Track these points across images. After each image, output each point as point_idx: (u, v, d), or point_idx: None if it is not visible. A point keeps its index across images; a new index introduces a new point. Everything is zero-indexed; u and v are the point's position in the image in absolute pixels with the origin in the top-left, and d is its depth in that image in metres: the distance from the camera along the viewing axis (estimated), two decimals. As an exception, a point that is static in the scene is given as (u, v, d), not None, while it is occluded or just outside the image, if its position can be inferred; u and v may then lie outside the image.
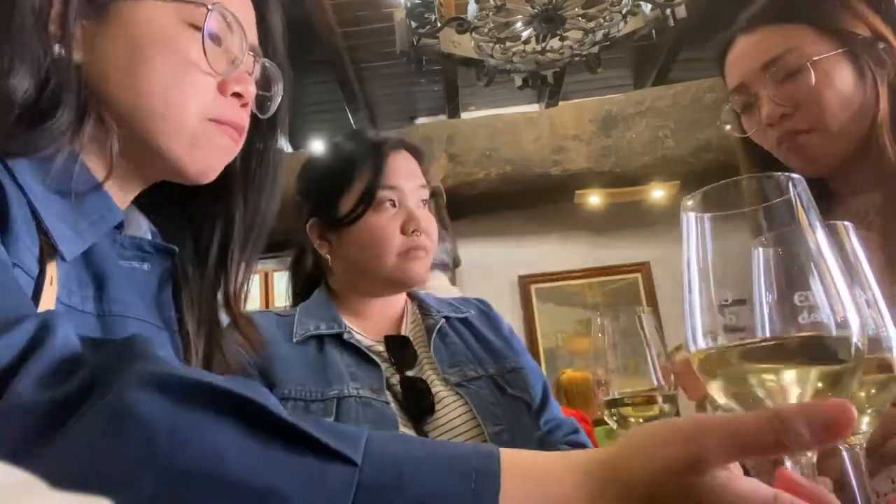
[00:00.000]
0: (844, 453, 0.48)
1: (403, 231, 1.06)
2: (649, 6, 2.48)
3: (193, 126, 0.62)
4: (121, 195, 0.64)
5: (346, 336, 1.04)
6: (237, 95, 0.65)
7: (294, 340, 1.02)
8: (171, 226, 0.73)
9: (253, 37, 0.70)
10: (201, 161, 0.64)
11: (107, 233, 0.60)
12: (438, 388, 1.03)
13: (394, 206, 1.07)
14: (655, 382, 0.77)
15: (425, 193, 1.12)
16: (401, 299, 1.16)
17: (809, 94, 0.88)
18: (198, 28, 0.61)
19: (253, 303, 4.37)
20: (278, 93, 0.74)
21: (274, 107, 0.74)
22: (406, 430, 0.97)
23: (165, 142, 0.61)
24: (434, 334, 1.10)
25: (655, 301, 4.48)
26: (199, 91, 0.62)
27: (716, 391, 0.40)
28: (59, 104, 0.54)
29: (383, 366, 1.04)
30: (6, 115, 0.52)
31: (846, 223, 0.51)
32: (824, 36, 0.90)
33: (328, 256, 1.12)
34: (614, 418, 0.78)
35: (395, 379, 1.02)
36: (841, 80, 0.88)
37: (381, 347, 1.07)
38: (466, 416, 1.00)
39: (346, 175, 1.09)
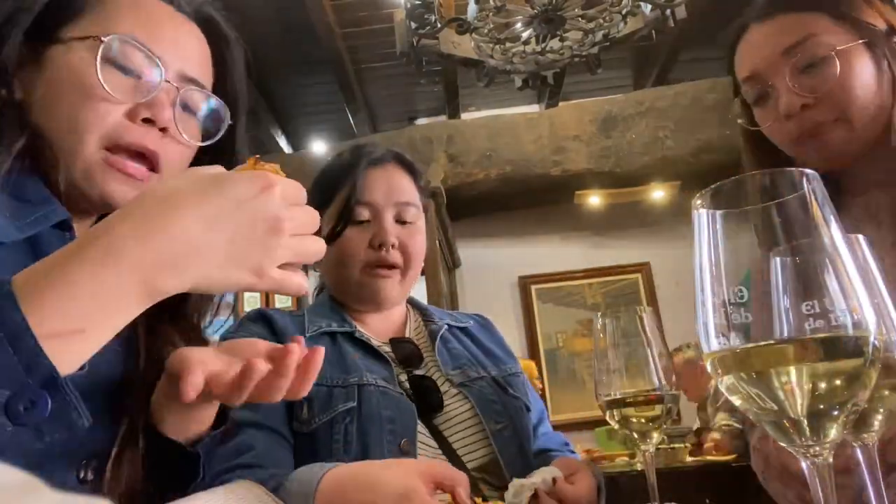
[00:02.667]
0: (858, 451, 0.47)
1: (371, 245, 1.06)
2: (649, 7, 2.48)
3: (89, 154, 0.66)
4: (78, 222, 0.69)
5: (357, 334, 1.06)
6: (148, 121, 0.68)
7: (307, 335, 1.03)
8: None
9: (193, 66, 0.74)
10: (97, 188, 0.67)
11: (55, 232, 0.64)
12: (444, 387, 1.05)
13: (368, 222, 1.08)
14: (657, 383, 0.77)
15: (409, 210, 1.10)
16: (400, 309, 1.18)
17: (834, 84, 0.85)
18: (109, 62, 0.66)
19: (253, 304, 4.36)
20: (225, 119, 0.76)
21: (219, 134, 0.76)
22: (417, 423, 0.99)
23: (63, 170, 0.65)
24: (437, 338, 1.11)
25: (656, 301, 4.48)
26: (99, 117, 0.66)
27: (729, 392, 0.39)
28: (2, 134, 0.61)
29: (392, 363, 1.06)
30: None
31: (860, 236, 0.51)
32: (842, 26, 0.87)
33: (318, 271, 1.17)
34: (615, 418, 0.78)
35: (404, 377, 1.04)
36: (863, 71, 0.85)
37: (387, 348, 1.08)
38: (470, 413, 1.02)
39: (327, 194, 1.11)
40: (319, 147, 4.91)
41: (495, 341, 1.21)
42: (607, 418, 0.80)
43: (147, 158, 0.69)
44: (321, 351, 0.62)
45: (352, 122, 4.82)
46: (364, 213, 1.08)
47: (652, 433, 0.77)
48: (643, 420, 0.77)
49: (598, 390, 0.81)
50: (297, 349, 0.58)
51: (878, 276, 0.49)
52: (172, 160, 0.71)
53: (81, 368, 0.46)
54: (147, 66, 0.69)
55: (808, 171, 0.38)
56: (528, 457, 1.03)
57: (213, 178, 0.51)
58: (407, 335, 1.14)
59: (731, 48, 0.97)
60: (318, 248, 0.55)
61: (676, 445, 3.50)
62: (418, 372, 1.06)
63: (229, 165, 0.69)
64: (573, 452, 1.16)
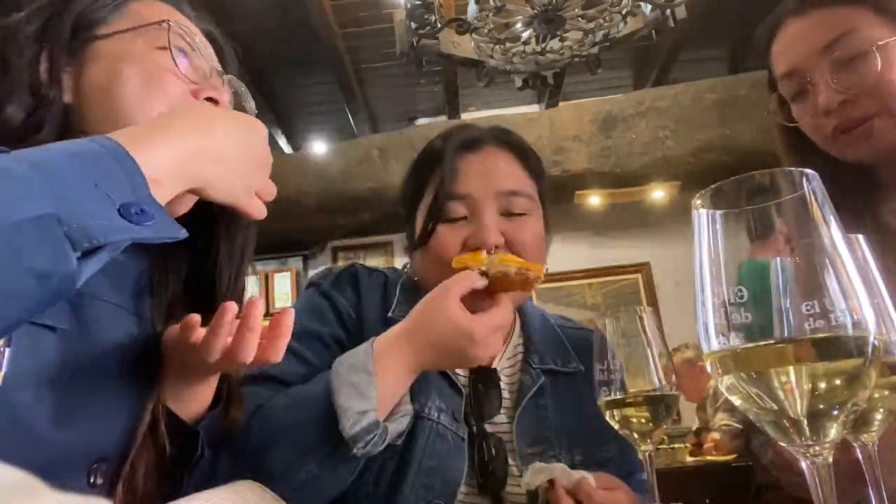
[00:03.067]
0: (858, 451, 0.47)
1: (467, 246, 0.88)
2: (649, 7, 2.48)
3: None
4: None
5: None
6: (212, 101, 0.71)
7: (389, 315, 0.91)
8: None
9: (216, 62, 0.77)
10: None
11: None
12: (512, 457, 0.88)
13: (465, 219, 0.90)
14: (657, 383, 0.77)
15: (516, 201, 0.91)
16: None
17: (875, 79, 0.83)
18: (166, 48, 0.68)
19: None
20: (252, 112, 0.79)
21: None
22: (468, 485, 0.85)
23: None
24: (527, 398, 0.91)
25: (656, 301, 4.48)
26: (171, 96, 0.67)
27: (729, 392, 0.39)
28: (41, 130, 0.63)
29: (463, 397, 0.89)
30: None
31: (859, 236, 0.51)
32: (883, 18, 0.85)
33: (412, 276, 1.00)
34: (615, 418, 0.78)
35: (464, 428, 0.88)
36: None
37: (465, 380, 0.92)
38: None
39: (418, 186, 0.95)
40: (319, 147, 4.91)
41: None
42: (607, 418, 0.80)
43: None
44: (290, 313, 0.64)
45: (352, 122, 4.82)
46: (458, 210, 0.90)
47: (652, 433, 0.77)
48: (643, 420, 0.77)
49: (598, 390, 0.81)
50: (232, 309, 0.62)
51: (876, 272, 0.49)
52: None
53: None
54: (198, 53, 0.72)
55: (808, 171, 0.38)
56: None
57: (223, 111, 0.64)
58: (499, 362, 0.94)
59: (767, 44, 0.95)
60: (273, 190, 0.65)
61: (676, 445, 3.50)
62: (489, 427, 0.89)
63: None
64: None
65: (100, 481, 0.62)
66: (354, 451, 0.73)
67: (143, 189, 0.48)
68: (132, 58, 0.67)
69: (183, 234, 0.51)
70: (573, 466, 0.84)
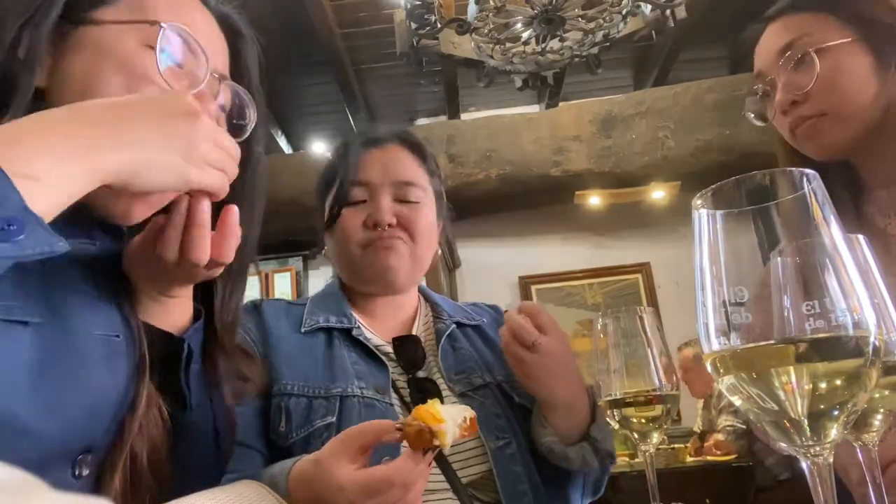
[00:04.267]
0: (859, 452, 0.47)
1: (366, 225, 1.02)
2: (649, 7, 2.48)
3: None
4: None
5: (354, 332, 1.00)
6: None
7: (302, 330, 1.00)
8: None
9: (220, 63, 0.73)
10: (137, 205, 0.65)
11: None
12: (445, 393, 0.99)
13: (365, 202, 1.04)
14: (657, 382, 0.77)
15: (411, 190, 1.05)
16: (411, 299, 1.12)
17: (818, 81, 0.89)
18: (159, 49, 0.64)
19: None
20: (252, 119, 0.75)
21: (248, 131, 0.75)
22: None
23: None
24: (443, 339, 1.05)
25: (656, 301, 4.48)
26: None
27: (730, 392, 0.39)
28: (3, 113, 0.58)
29: (390, 365, 0.99)
30: None
31: (860, 236, 0.51)
32: (842, 24, 0.90)
33: (328, 258, 1.12)
34: (616, 419, 0.78)
35: (403, 380, 0.99)
36: (853, 67, 0.89)
37: (389, 349, 1.03)
38: None
39: (327, 180, 1.08)
40: (319, 147, 4.91)
41: None
42: (607, 418, 0.80)
43: None
44: (232, 210, 0.64)
45: (352, 122, 4.82)
46: (359, 194, 1.04)
47: (652, 433, 0.77)
48: (643, 420, 0.77)
49: (598, 390, 0.81)
50: (184, 203, 0.61)
51: (876, 271, 0.49)
52: None
53: None
54: (193, 57, 0.68)
55: (808, 171, 0.38)
56: (531, 471, 0.93)
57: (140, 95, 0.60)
58: (415, 331, 1.07)
59: (754, 47, 1.03)
60: (234, 148, 0.61)
61: (677, 446, 3.51)
62: (420, 373, 1.00)
63: (245, 166, 0.69)
64: None
65: (85, 472, 0.60)
66: None
67: (13, 197, 0.42)
68: (118, 56, 0.63)
69: (61, 247, 0.46)
70: (499, 387, 1.00)
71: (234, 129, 0.74)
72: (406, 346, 1.03)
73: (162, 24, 0.64)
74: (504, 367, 1.02)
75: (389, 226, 1.01)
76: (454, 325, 1.09)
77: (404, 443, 0.69)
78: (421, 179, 1.07)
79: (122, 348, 0.65)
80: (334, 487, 0.68)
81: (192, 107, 0.57)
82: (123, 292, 0.68)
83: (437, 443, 0.67)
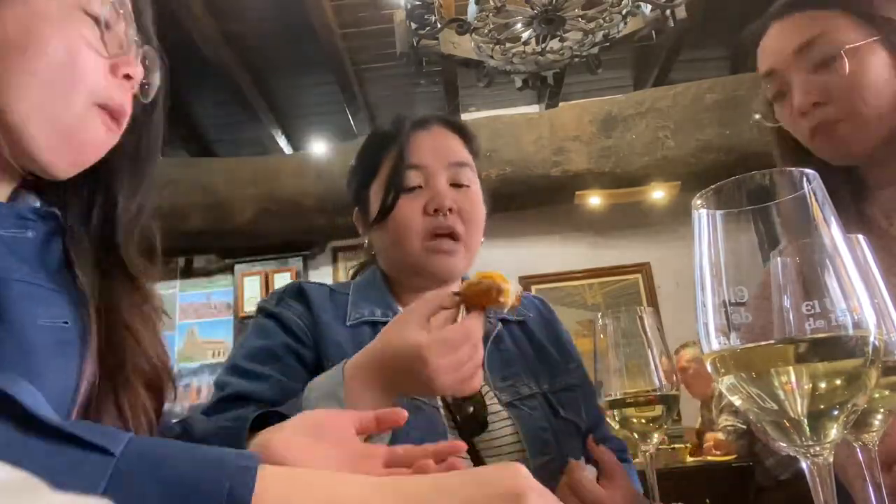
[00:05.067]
0: (859, 452, 0.47)
1: (426, 212, 0.97)
2: (649, 7, 2.48)
3: (79, 111, 0.62)
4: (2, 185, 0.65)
5: None
6: (127, 77, 0.65)
7: (348, 323, 0.96)
8: (56, 189, 0.70)
9: (132, 21, 0.70)
10: (69, 156, 0.63)
11: None
12: (491, 401, 0.93)
13: (420, 188, 0.99)
14: (657, 383, 0.77)
15: (463, 172, 1.01)
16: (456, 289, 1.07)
17: (843, 82, 0.86)
18: (90, 15, 0.62)
19: (253, 304, 4.36)
20: (157, 78, 0.73)
21: (153, 91, 0.73)
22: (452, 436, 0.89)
23: (36, 132, 0.60)
24: (489, 342, 0.99)
25: (656, 301, 4.48)
26: (91, 71, 0.62)
27: (730, 392, 0.39)
28: None
29: None
30: None
31: (860, 236, 0.51)
32: (859, 22, 0.87)
33: (372, 248, 1.06)
34: (616, 419, 0.78)
35: None
36: (876, 69, 0.86)
37: None
38: (513, 439, 0.91)
39: (371, 167, 1.03)
40: (319, 147, 4.90)
41: (553, 337, 1.08)
42: (608, 418, 0.80)
43: (117, 119, 0.66)
44: (403, 414, 0.63)
45: (352, 122, 4.82)
46: (415, 178, 0.98)
47: (652, 433, 0.77)
48: (643, 420, 0.77)
49: (598, 391, 0.81)
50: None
51: (876, 271, 0.49)
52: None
53: None
54: (118, 18, 0.65)
55: (808, 171, 0.38)
56: None
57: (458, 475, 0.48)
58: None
59: (755, 45, 0.99)
60: None
61: (677, 446, 3.51)
62: None
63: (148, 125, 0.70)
64: (628, 462, 1.01)
65: None
66: None
67: None
68: (52, 19, 0.60)
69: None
70: (545, 398, 0.96)
71: (143, 89, 0.71)
72: (462, 407, 0.94)
73: None
74: (550, 374, 0.99)
75: (450, 210, 0.96)
76: (500, 324, 1.03)
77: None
78: (469, 160, 1.05)
79: (72, 335, 0.63)
80: (411, 348, 0.69)
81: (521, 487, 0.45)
82: (67, 277, 0.66)
83: (502, 300, 0.72)
